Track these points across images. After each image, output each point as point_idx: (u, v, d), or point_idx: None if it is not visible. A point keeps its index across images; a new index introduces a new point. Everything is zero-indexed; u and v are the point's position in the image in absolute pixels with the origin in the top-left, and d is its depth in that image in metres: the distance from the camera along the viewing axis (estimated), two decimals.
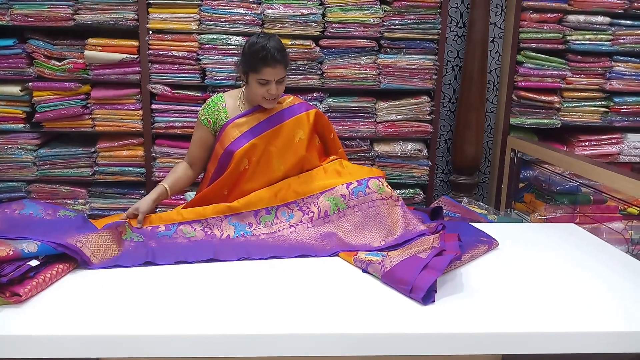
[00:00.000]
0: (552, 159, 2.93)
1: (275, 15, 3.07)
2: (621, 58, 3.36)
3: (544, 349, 1.29)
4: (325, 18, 3.12)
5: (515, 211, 3.21)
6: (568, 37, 3.30)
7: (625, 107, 3.42)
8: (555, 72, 3.34)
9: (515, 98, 3.40)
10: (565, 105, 3.40)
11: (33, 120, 3.09)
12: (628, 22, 3.33)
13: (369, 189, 1.84)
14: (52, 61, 3.03)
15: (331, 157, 2.07)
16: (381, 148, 3.29)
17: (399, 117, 3.26)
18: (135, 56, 3.07)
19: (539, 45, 3.32)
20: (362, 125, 3.26)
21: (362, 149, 3.28)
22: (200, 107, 3.06)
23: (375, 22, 3.13)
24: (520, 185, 3.35)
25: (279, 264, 1.65)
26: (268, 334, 1.25)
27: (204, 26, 3.08)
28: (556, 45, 3.32)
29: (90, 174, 3.19)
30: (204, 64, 3.10)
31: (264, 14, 3.08)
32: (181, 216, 1.86)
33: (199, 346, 1.24)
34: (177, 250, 1.68)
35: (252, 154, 1.92)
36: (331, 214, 1.83)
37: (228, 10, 3.06)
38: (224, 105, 2.00)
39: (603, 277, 1.60)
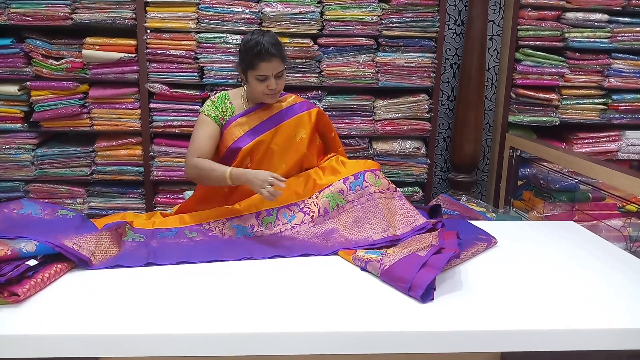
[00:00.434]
0: (550, 157, 2.93)
1: (273, 13, 3.07)
2: (619, 55, 3.36)
3: (543, 346, 1.29)
4: (323, 16, 3.12)
5: (514, 209, 3.22)
6: (566, 35, 3.30)
7: (624, 104, 3.42)
8: (553, 70, 3.34)
9: (513, 96, 3.40)
10: (563, 103, 3.40)
11: (31, 119, 3.09)
12: (626, 19, 3.33)
13: (366, 182, 1.84)
14: (50, 60, 3.03)
15: (329, 155, 2.08)
16: (380, 146, 3.29)
17: (397, 115, 3.26)
18: (133, 55, 3.06)
19: (538, 42, 3.32)
20: (360, 123, 3.25)
21: (360, 148, 3.28)
22: (199, 106, 3.11)
23: (374, 20, 3.12)
24: (519, 183, 3.35)
25: (278, 263, 1.65)
26: (267, 332, 1.25)
27: (202, 25, 3.07)
28: (554, 43, 3.32)
29: (89, 173, 3.18)
30: (202, 62, 3.10)
31: (262, 13, 3.08)
32: (183, 221, 1.87)
33: (197, 345, 1.24)
34: (179, 251, 1.68)
35: (255, 153, 1.93)
36: (330, 210, 1.83)
37: (226, 9, 3.05)
38: (230, 102, 2.00)
39: (602, 274, 1.60)
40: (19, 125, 3.11)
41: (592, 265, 1.67)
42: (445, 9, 3.24)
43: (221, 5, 3.05)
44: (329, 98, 3.21)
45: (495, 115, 3.62)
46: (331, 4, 3.10)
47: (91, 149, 3.16)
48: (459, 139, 3.43)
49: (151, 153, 3.17)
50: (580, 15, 3.28)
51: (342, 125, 3.22)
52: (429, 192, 3.41)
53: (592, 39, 3.31)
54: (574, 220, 2.31)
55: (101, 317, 1.29)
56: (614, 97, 3.41)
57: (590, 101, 3.42)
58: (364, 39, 3.15)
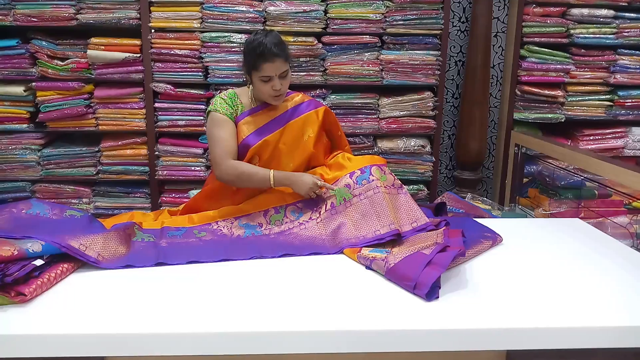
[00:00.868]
0: (556, 154, 2.92)
1: (277, 12, 3.07)
2: (625, 51, 3.34)
3: (549, 344, 1.28)
4: (327, 14, 3.11)
5: (520, 206, 3.21)
6: (572, 31, 3.28)
7: (630, 100, 3.40)
8: (559, 66, 3.32)
9: (518, 93, 3.39)
10: (569, 100, 3.39)
11: (37, 120, 3.10)
12: (632, 14, 3.31)
13: (373, 176, 1.83)
14: (55, 61, 3.04)
15: (335, 153, 2.08)
16: (384, 144, 3.29)
17: (402, 113, 3.25)
18: (138, 55, 3.07)
19: (543, 39, 3.31)
20: (365, 121, 3.25)
21: (365, 146, 3.28)
22: (204, 105, 3.11)
23: (378, 18, 3.12)
24: (525, 180, 3.33)
25: (284, 261, 1.65)
26: (273, 331, 1.25)
27: (206, 24, 3.08)
28: (560, 39, 3.31)
29: (94, 173, 3.20)
30: (206, 62, 3.10)
31: (266, 11, 3.08)
32: (192, 221, 1.88)
33: (203, 344, 1.24)
34: (189, 250, 1.68)
35: (263, 152, 1.94)
36: (337, 205, 1.83)
37: (230, 8, 3.05)
38: (239, 101, 2.00)
39: (608, 272, 1.59)
40: (25, 125, 3.12)
41: (598, 263, 1.66)
42: (450, 6, 3.23)
43: (225, 5, 3.05)
44: (333, 96, 3.21)
45: (500, 113, 3.60)
46: (335, 2, 3.10)
47: (97, 149, 3.17)
48: (464, 137, 3.42)
49: (156, 152, 3.18)
50: (585, 11, 3.27)
51: (346, 124, 3.22)
52: (434, 190, 3.40)
53: (598, 35, 3.29)
54: (580, 218, 2.30)
55: (107, 317, 1.29)
56: (620, 93, 3.39)
57: (596, 97, 3.41)
58: (368, 36, 3.14)
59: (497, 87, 3.60)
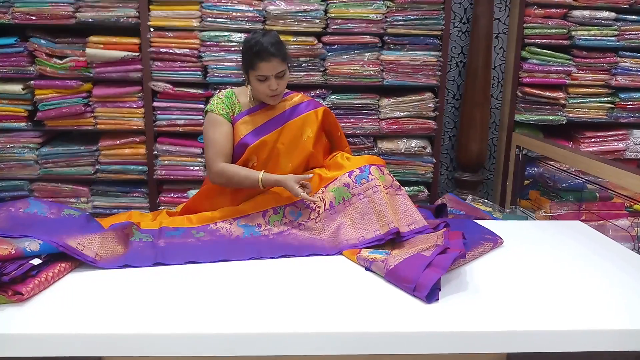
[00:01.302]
0: (557, 156, 2.91)
1: (277, 11, 3.06)
2: (627, 53, 3.33)
3: (549, 347, 1.28)
4: (327, 14, 3.10)
5: (521, 208, 3.20)
6: (573, 33, 3.27)
7: (631, 103, 3.39)
8: (560, 68, 3.31)
9: (520, 94, 3.38)
10: (570, 102, 3.38)
11: (35, 118, 3.09)
12: (634, 17, 3.30)
13: (372, 175, 1.82)
14: (54, 59, 3.03)
15: (334, 153, 2.07)
16: (385, 145, 3.28)
17: (402, 114, 3.24)
18: (137, 54, 3.05)
19: (544, 40, 3.30)
20: (365, 122, 3.24)
21: (365, 146, 3.27)
22: (203, 104, 3.10)
23: (379, 18, 3.11)
24: (526, 182, 3.33)
25: (283, 262, 1.64)
26: (272, 332, 1.25)
27: (205, 23, 3.06)
28: (561, 41, 3.30)
29: (93, 172, 3.18)
30: (205, 61, 3.09)
31: (265, 11, 3.07)
32: (190, 222, 1.86)
33: (201, 345, 1.23)
34: (187, 251, 1.67)
35: (260, 152, 1.92)
36: (336, 204, 1.82)
37: (229, 7, 3.04)
38: (237, 100, 1.99)
39: (609, 274, 1.58)
40: (23, 124, 3.11)
41: (599, 266, 1.65)
42: (451, 6, 3.22)
43: (225, 4, 3.04)
44: (333, 96, 3.20)
45: (501, 114, 3.59)
46: (335, 2, 3.09)
47: (95, 148, 3.16)
48: (465, 138, 3.41)
49: (155, 152, 3.17)
50: (587, 13, 3.26)
51: (346, 124, 3.21)
52: (434, 191, 3.39)
53: (599, 37, 3.28)
54: (581, 220, 2.29)
55: (105, 317, 1.28)
56: (621, 95, 3.38)
57: (598, 100, 3.40)
58: (368, 37, 3.13)
59: (498, 89, 3.59)
